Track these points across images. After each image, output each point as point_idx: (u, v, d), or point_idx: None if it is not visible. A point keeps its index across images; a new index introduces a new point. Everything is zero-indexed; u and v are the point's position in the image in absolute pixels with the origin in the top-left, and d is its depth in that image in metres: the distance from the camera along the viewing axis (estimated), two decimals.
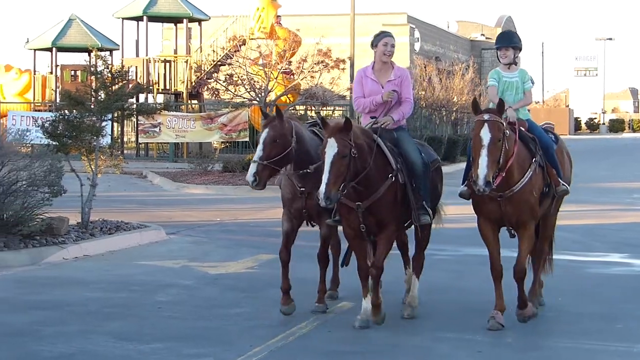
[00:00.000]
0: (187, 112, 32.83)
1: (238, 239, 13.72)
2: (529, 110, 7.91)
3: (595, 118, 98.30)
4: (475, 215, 7.19)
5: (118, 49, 36.28)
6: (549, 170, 7.02)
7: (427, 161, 7.40)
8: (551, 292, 8.42)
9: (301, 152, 7.11)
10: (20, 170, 11.22)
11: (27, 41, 38.37)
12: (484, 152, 6.22)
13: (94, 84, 15.36)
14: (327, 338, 6.94)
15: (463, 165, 8.42)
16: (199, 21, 35.74)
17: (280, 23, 30.92)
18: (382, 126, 7.09)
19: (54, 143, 12.80)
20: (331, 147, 6.25)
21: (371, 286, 6.96)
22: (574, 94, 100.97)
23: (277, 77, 25.43)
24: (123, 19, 34.85)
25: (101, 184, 13.23)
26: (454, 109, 39.43)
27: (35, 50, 37.91)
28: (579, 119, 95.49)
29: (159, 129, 30.46)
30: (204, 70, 32.07)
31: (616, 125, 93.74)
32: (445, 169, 11.38)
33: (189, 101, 33.76)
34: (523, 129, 7.00)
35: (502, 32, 7.62)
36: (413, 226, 7.70)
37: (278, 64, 25.64)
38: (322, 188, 6.13)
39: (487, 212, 6.91)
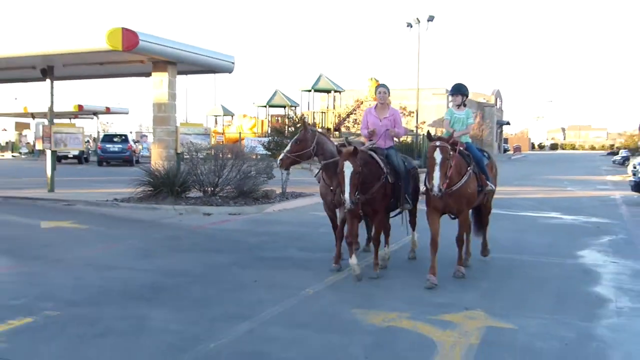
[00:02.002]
0: (333, 139, 41.73)
1: None
2: (471, 137, 9.23)
3: (542, 142, 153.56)
4: (426, 207, 7.84)
5: (298, 106, 49.76)
6: (480, 176, 8.04)
7: (409, 167, 8.51)
8: (519, 232, 12.25)
9: (323, 151, 8.25)
10: (252, 166, 16.04)
11: (253, 103, 51.59)
12: (436, 168, 7.05)
13: (287, 123, 21.33)
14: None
15: None
16: (339, 92, 48.37)
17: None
18: (391, 135, 8.46)
19: (268, 153, 18.32)
20: (348, 168, 7.14)
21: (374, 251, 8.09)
22: (532, 129, 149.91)
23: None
24: (302, 90, 47.97)
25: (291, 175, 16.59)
26: None
27: (258, 106, 50.84)
28: (534, 143, 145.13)
29: None
30: (342, 117, 45.37)
31: (553, 146, 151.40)
32: None
33: (333, 133, 42.42)
34: (462, 149, 7.87)
35: (455, 84, 8.57)
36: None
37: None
38: (346, 197, 7.10)
39: (434, 204, 7.63)
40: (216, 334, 5.60)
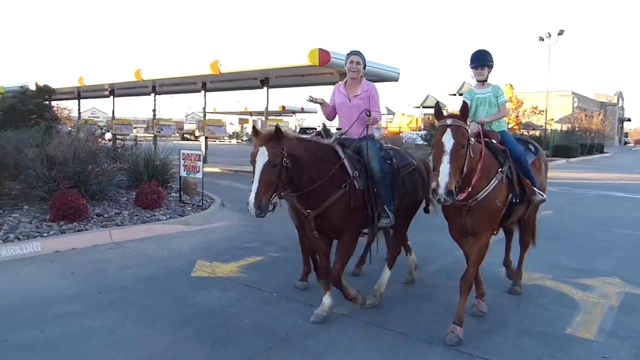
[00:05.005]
0: None
1: None
2: (508, 122, 5.25)
3: None
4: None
5: (446, 107, 47.59)
6: (522, 181, 4.65)
7: (399, 165, 5.02)
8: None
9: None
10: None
11: (409, 105, 51.92)
12: (445, 159, 3.82)
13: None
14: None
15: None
16: None
17: (514, 95, 38.10)
18: (370, 124, 4.84)
19: (425, 143, 17.87)
20: (262, 157, 4.01)
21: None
22: None
23: (510, 118, 33.30)
24: (449, 94, 44.49)
25: None
26: (592, 134, 48.20)
27: (413, 107, 50.35)
28: None
29: None
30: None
31: None
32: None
33: None
34: (494, 141, 4.69)
35: (476, 51, 5.03)
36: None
37: (512, 112, 34.34)
38: (250, 198, 3.93)
39: (453, 221, 4.45)
40: None
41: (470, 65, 5.02)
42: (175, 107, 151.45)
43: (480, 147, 4.28)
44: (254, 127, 4.19)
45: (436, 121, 4.09)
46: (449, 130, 3.93)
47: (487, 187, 4.28)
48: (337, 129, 5.10)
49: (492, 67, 5.05)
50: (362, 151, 4.74)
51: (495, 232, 4.66)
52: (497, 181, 4.35)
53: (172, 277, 5.79)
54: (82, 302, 4.94)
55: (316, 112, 53.40)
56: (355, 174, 4.50)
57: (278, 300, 5.09)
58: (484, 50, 5.04)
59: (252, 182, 3.98)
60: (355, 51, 5.09)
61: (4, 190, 8.39)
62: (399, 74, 18.18)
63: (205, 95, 21.87)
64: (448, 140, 3.89)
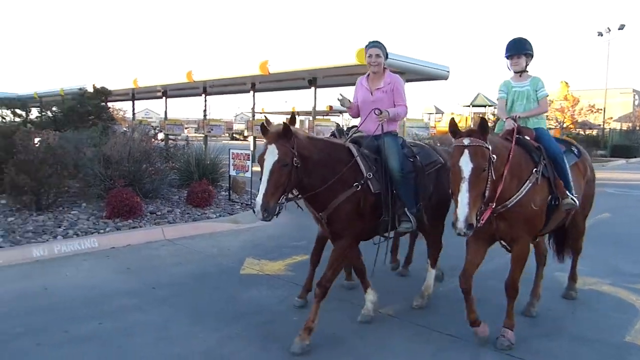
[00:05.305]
0: None
1: None
2: (548, 118, 5.45)
3: None
4: None
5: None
6: (555, 181, 4.12)
7: (421, 164, 4.63)
8: None
9: None
10: None
11: (458, 104, 50.15)
12: (464, 187, 3.39)
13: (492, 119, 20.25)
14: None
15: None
16: None
17: (569, 92, 36.50)
18: (380, 121, 4.42)
19: None
20: (271, 155, 3.70)
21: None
22: None
23: (565, 117, 33.35)
24: (463, 105, 43.72)
25: None
26: None
27: (463, 106, 46.50)
28: None
29: None
30: None
31: None
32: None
33: None
34: (528, 138, 4.26)
35: (512, 39, 4.51)
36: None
37: (567, 110, 33.82)
38: (258, 200, 3.67)
39: (477, 229, 3.60)
40: None
41: (505, 54, 4.52)
42: (225, 108, 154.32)
43: (508, 146, 3.86)
44: (262, 125, 3.86)
45: (452, 139, 3.61)
46: (466, 152, 3.45)
47: (519, 192, 3.85)
48: (353, 126, 4.82)
49: (531, 56, 4.52)
50: (379, 150, 4.39)
51: (537, 237, 4.23)
52: (531, 183, 3.92)
53: (222, 275, 5.91)
54: (137, 297, 5.12)
55: None
56: (370, 174, 4.15)
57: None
58: (521, 38, 4.53)
59: (260, 182, 3.71)
60: (373, 42, 4.67)
61: (64, 189, 8.79)
62: (448, 72, 17.84)
63: (254, 96, 22.18)
64: (466, 165, 3.43)
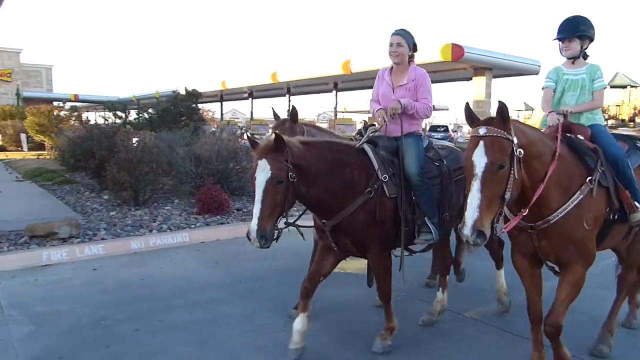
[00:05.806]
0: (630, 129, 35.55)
1: None
2: (604, 113, 4.59)
3: None
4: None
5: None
6: (620, 192, 3.31)
7: (448, 169, 4.14)
8: None
9: None
10: None
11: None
12: (475, 186, 2.74)
13: None
14: None
15: None
16: (635, 87, 39.80)
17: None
18: (391, 114, 3.93)
19: None
20: (262, 172, 3.25)
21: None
22: None
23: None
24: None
25: None
26: None
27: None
28: None
29: None
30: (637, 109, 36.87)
31: None
32: None
33: (628, 123, 36.19)
34: (582, 137, 3.46)
35: (566, 19, 3.68)
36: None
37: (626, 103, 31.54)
38: (253, 223, 3.36)
39: (519, 244, 3.34)
40: None
41: (556, 36, 3.68)
42: (308, 108, 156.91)
43: (552, 147, 3.11)
44: (249, 139, 3.44)
45: (469, 129, 2.95)
46: (481, 143, 2.79)
47: (566, 205, 3.08)
48: (371, 124, 4.24)
49: (589, 39, 3.68)
50: (401, 152, 3.86)
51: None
52: (582, 195, 3.12)
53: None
54: (225, 290, 5.36)
55: (447, 109, 52.05)
56: (385, 177, 3.67)
57: (407, 300, 5.05)
58: (576, 16, 3.67)
59: (254, 204, 3.27)
60: (398, 30, 4.11)
61: (158, 185, 9.37)
62: (539, 66, 17.07)
63: (336, 95, 22.40)
64: (479, 159, 2.76)
